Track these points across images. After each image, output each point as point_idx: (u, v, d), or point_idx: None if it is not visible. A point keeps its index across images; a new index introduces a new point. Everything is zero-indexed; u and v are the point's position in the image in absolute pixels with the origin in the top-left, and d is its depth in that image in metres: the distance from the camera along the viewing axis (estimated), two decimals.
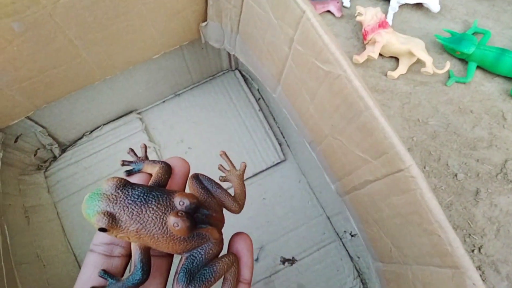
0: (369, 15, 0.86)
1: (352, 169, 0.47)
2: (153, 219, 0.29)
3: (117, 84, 0.68)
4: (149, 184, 0.32)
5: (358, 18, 0.88)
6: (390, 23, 0.93)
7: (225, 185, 0.50)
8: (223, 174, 0.43)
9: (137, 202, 0.29)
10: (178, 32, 0.61)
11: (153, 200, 0.29)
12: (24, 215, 0.66)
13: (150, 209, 0.29)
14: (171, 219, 0.28)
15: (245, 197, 0.39)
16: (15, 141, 0.66)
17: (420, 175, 0.36)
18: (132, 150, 0.39)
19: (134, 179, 0.35)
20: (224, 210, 0.37)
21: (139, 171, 0.36)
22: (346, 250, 0.72)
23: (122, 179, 0.29)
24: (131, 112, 0.79)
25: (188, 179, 0.36)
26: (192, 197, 0.30)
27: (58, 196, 0.74)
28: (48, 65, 0.51)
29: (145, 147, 0.39)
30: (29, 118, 0.63)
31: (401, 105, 0.87)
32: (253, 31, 0.56)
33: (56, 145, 0.74)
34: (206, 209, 0.32)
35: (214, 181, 0.37)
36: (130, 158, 0.38)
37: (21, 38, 0.46)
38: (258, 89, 0.84)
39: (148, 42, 0.59)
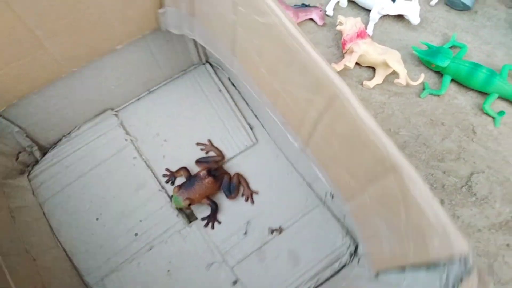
0: (348, 25, 0.88)
1: (303, 115, 0.50)
2: (200, 187, 0.73)
3: (88, 80, 0.71)
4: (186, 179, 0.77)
5: (338, 27, 0.90)
6: (371, 33, 0.95)
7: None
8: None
9: (191, 187, 0.73)
10: (137, 20, 0.65)
11: (194, 182, 0.73)
12: (10, 215, 0.69)
13: (196, 185, 0.73)
14: (205, 181, 0.74)
15: (221, 152, 0.81)
16: None
17: (352, 96, 0.39)
18: (167, 169, 0.80)
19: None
20: None
21: (175, 178, 0.79)
22: (330, 211, 0.76)
23: (178, 187, 0.73)
24: (106, 110, 0.82)
25: (195, 163, 0.79)
26: (204, 168, 0.76)
27: (43, 196, 0.76)
28: (12, 56, 0.55)
29: (170, 173, 0.80)
30: (3, 117, 0.66)
31: (375, 115, 0.89)
32: (207, 9, 0.59)
33: (36, 147, 0.76)
34: (213, 168, 0.76)
35: (205, 156, 0.80)
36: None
37: None
38: (228, 78, 0.88)
39: (108, 31, 0.63)
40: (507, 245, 0.78)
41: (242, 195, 0.77)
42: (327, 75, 0.41)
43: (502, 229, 0.79)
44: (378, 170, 0.40)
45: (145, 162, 0.80)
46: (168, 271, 0.73)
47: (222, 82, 0.87)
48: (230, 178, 0.77)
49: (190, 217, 0.77)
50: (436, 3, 0.99)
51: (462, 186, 0.82)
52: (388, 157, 0.37)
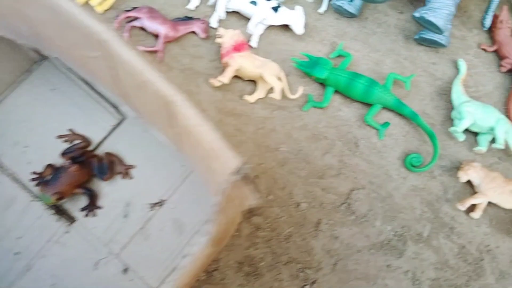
0: (227, 38, 0.82)
1: (104, 71, 0.51)
2: (67, 178, 0.70)
3: None
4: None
5: (217, 40, 0.83)
6: (255, 45, 0.88)
7: None
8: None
9: (56, 181, 0.70)
10: None
11: (60, 175, 0.71)
12: None
13: (62, 177, 0.70)
14: (71, 170, 0.71)
15: (85, 137, 0.77)
16: None
17: (117, 40, 0.39)
18: (34, 172, 0.75)
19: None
20: None
21: (44, 178, 0.74)
22: None
23: (43, 184, 0.71)
24: None
25: (61, 157, 0.75)
26: (68, 158, 0.74)
27: None
28: None
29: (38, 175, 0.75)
30: None
31: (255, 131, 0.82)
32: None
33: None
34: (77, 155, 0.74)
35: (69, 146, 0.76)
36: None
37: None
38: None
39: None
40: (388, 266, 0.75)
41: (119, 173, 0.75)
42: (93, 28, 0.41)
43: (383, 249, 0.75)
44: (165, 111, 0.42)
45: (9, 176, 0.75)
46: (53, 285, 0.70)
47: (72, 73, 0.82)
48: (100, 159, 0.74)
49: (69, 219, 0.74)
50: (326, 11, 0.93)
51: (342, 204, 0.78)
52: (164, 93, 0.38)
